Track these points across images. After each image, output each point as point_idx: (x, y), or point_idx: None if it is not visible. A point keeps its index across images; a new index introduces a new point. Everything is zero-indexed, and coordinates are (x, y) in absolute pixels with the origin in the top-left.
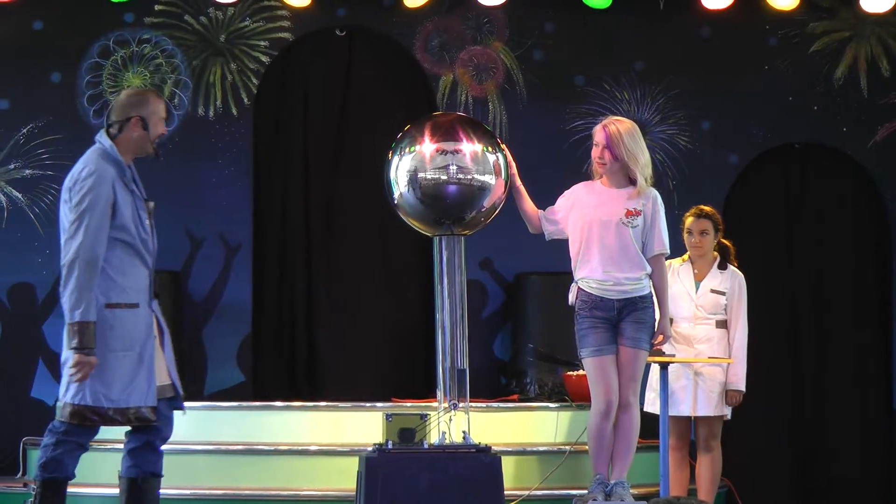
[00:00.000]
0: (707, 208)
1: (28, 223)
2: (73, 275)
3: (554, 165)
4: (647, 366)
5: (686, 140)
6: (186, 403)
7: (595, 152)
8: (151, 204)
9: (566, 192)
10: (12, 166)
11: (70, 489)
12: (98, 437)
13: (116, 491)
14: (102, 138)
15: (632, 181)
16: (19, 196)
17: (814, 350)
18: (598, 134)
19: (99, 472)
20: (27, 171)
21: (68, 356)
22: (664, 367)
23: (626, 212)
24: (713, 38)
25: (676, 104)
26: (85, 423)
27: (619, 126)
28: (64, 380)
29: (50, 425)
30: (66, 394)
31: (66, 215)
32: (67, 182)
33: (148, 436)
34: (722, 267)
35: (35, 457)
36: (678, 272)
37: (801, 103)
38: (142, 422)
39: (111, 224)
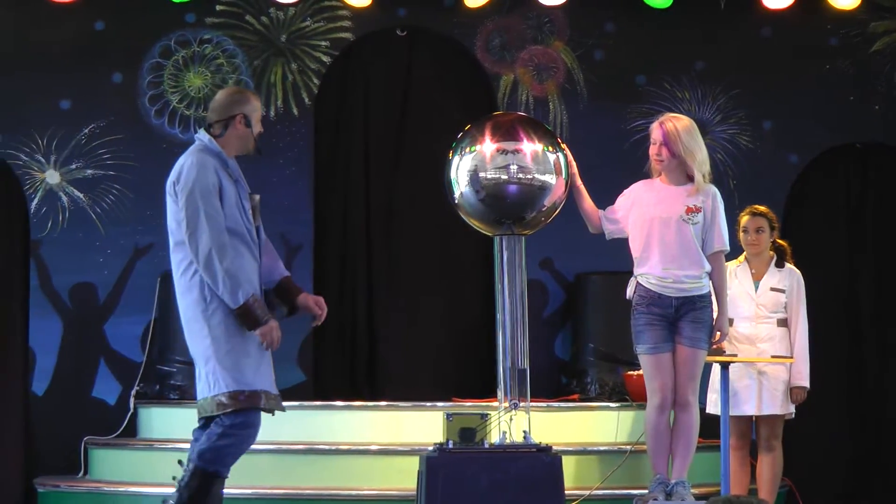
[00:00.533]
0: (761, 207)
1: (90, 223)
2: (215, 265)
3: (614, 165)
4: (708, 367)
5: (747, 140)
6: None
7: (653, 150)
8: (257, 197)
9: (625, 191)
10: (74, 166)
11: (120, 488)
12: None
13: (163, 491)
14: (202, 135)
15: (690, 178)
16: (81, 196)
17: (875, 350)
18: (655, 131)
19: (152, 471)
20: (89, 171)
21: (209, 354)
22: (725, 366)
23: (686, 209)
24: (774, 38)
25: (737, 104)
26: (231, 410)
27: (675, 123)
28: (203, 379)
29: (217, 419)
30: (209, 391)
31: (174, 212)
32: (171, 177)
33: None
34: (779, 265)
35: (97, 456)
36: (736, 273)
37: (863, 103)
38: (272, 408)
39: None
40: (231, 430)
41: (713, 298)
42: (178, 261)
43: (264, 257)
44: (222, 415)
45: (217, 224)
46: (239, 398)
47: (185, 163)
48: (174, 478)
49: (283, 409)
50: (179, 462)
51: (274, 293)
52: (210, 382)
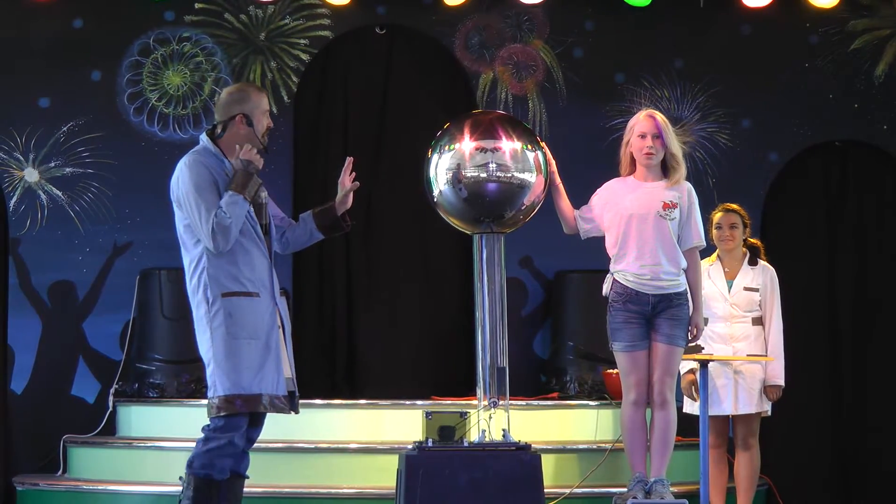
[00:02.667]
0: (734, 205)
1: (68, 221)
2: (220, 232)
3: (594, 163)
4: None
5: (726, 138)
6: None
7: (642, 143)
8: (263, 194)
9: (599, 189)
10: (53, 164)
11: (99, 486)
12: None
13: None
14: (202, 136)
15: (664, 174)
16: (60, 194)
17: (855, 348)
18: (646, 124)
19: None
20: (67, 170)
21: (209, 356)
22: (704, 364)
23: (662, 204)
24: (753, 36)
25: (716, 102)
26: (222, 415)
27: (662, 116)
28: (208, 381)
29: (204, 426)
30: (210, 392)
31: (180, 217)
32: (171, 183)
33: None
34: (752, 263)
35: (76, 454)
36: (709, 273)
37: (842, 101)
38: (275, 410)
39: None
40: (214, 433)
41: (689, 296)
42: (187, 263)
43: (289, 233)
44: (210, 418)
45: (220, 214)
46: (236, 403)
47: (179, 166)
48: (180, 478)
49: (288, 410)
50: (180, 478)
51: (324, 227)
52: (210, 385)
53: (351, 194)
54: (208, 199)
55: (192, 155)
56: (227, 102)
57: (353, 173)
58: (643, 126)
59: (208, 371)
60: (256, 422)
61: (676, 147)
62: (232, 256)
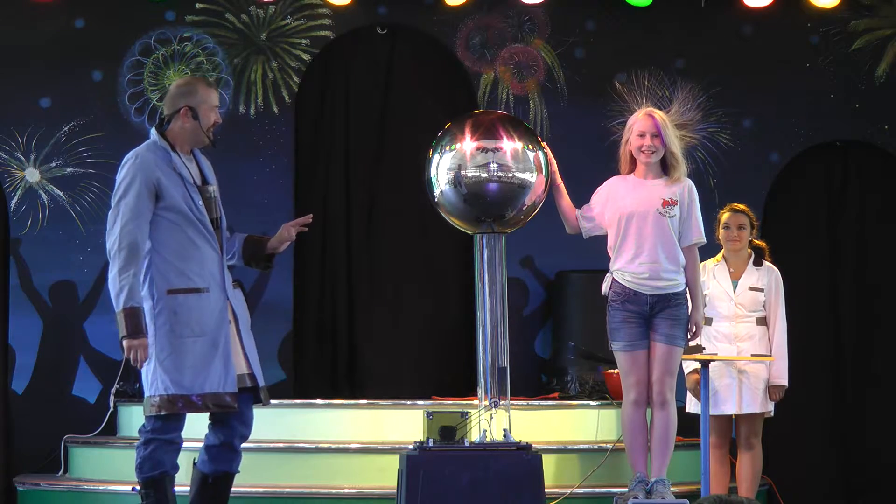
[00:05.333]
0: (741, 205)
1: (69, 221)
2: (115, 262)
3: (595, 163)
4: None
5: (727, 138)
6: None
7: (642, 142)
8: (211, 188)
9: (599, 188)
10: (54, 164)
11: (100, 486)
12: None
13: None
14: (152, 131)
15: (665, 171)
16: (60, 194)
17: (857, 348)
18: (645, 123)
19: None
20: (69, 170)
21: (152, 352)
22: (705, 364)
23: (662, 202)
24: (755, 36)
25: (717, 102)
26: (162, 414)
27: (661, 113)
28: (146, 378)
29: (140, 427)
30: (146, 391)
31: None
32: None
33: (227, 436)
34: (757, 264)
35: (77, 454)
36: (714, 272)
37: (843, 101)
38: (222, 408)
39: (160, 207)
40: (153, 434)
41: (688, 295)
42: None
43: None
44: (147, 417)
45: (133, 225)
46: (177, 403)
47: (126, 157)
48: (134, 489)
49: (235, 408)
50: (133, 489)
51: (246, 256)
52: (150, 382)
53: (285, 244)
54: (133, 203)
55: (137, 152)
56: (174, 95)
57: (306, 228)
58: (642, 125)
59: (148, 368)
60: (241, 419)
61: (676, 145)
62: (178, 251)
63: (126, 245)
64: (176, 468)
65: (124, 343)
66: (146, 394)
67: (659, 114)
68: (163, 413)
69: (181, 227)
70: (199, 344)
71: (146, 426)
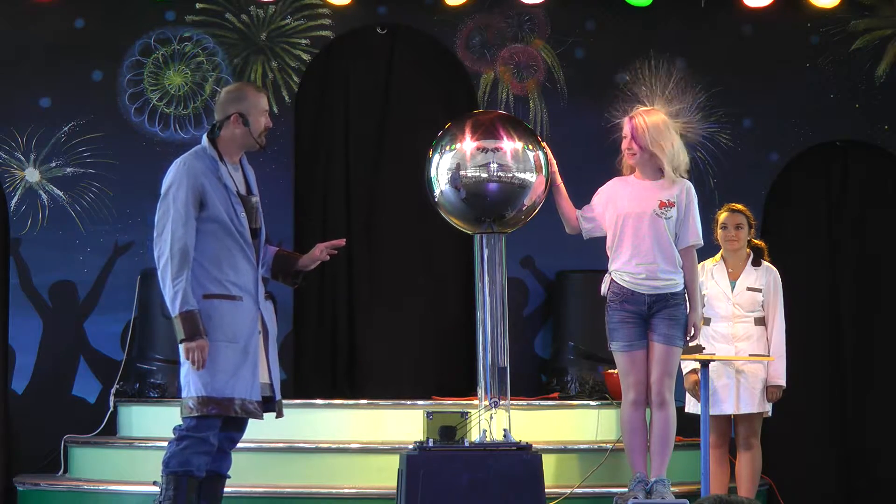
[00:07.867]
0: (739, 205)
1: (69, 221)
2: (168, 268)
3: (595, 163)
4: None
5: (727, 138)
6: None
7: (623, 144)
8: (254, 199)
9: (600, 189)
10: (53, 164)
11: (100, 486)
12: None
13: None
14: (204, 138)
15: (662, 172)
16: (60, 194)
17: (856, 348)
18: (625, 126)
19: (132, 470)
20: (68, 170)
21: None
22: (705, 364)
23: (659, 203)
24: (755, 36)
25: (718, 102)
26: (195, 415)
27: (645, 117)
28: (181, 380)
29: (175, 426)
30: (182, 392)
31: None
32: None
33: (220, 439)
34: (756, 264)
35: (77, 454)
36: (712, 273)
37: (843, 101)
38: (247, 415)
39: (202, 216)
40: (188, 432)
41: (686, 295)
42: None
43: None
44: (183, 418)
45: (183, 231)
46: (209, 406)
47: (174, 163)
48: (155, 482)
49: (260, 415)
50: (155, 482)
51: (274, 270)
52: (184, 385)
53: (316, 263)
54: (181, 211)
55: (185, 158)
56: (224, 101)
57: (336, 252)
58: (623, 128)
59: (183, 370)
60: (237, 424)
61: (664, 146)
62: (216, 259)
63: (178, 251)
64: (202, 471)
65: (182, 346)
66: (182, 395)
67: (640, 118)
68: (195, 414)
69: (220, 236)
70: (231, 349)
71: (182, 425)
